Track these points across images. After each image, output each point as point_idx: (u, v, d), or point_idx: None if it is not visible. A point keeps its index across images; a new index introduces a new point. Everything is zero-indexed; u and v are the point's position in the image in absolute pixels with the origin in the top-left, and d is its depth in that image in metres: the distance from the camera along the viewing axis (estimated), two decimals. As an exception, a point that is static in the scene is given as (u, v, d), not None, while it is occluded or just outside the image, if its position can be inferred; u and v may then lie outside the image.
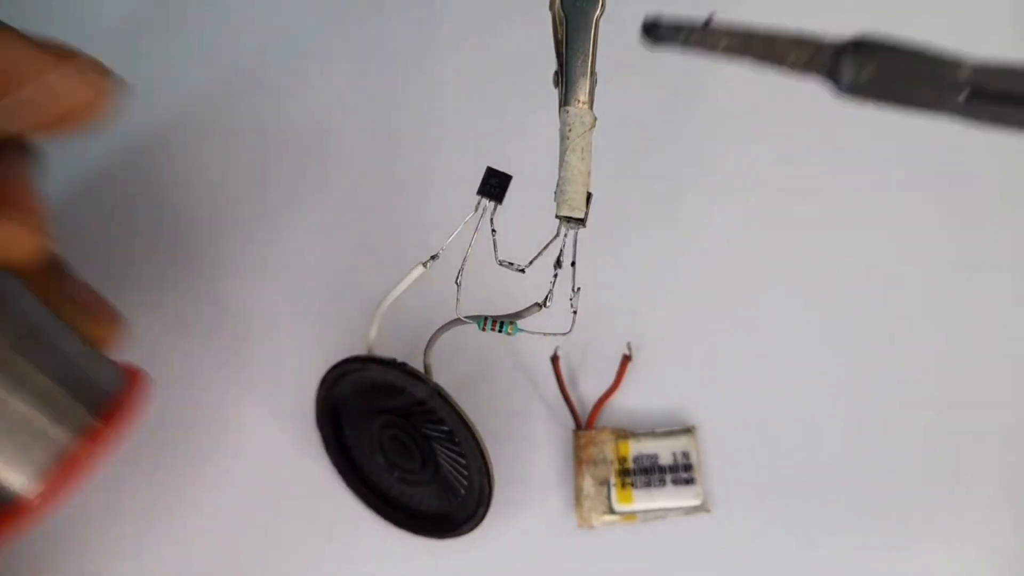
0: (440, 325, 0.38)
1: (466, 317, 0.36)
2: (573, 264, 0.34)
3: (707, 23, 0.27)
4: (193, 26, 0.60)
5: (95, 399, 0.38)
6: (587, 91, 0.33)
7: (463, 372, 0.49)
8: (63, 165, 0.57)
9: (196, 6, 0.61)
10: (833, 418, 0.48)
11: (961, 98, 0.25)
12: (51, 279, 0.40)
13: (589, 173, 0.33)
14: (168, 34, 0.60)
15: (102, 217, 0.55)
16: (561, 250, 0.34)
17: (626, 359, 0.48)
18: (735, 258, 0.51)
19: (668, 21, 0.27)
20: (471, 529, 0.44)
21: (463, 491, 0.44)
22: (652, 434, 0.47)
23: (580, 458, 0.46)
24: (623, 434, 0.47)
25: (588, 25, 0.33)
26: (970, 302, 0.50)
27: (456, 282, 0.35)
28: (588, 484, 0.46)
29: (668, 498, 0.45)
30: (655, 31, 0.27)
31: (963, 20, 0.57)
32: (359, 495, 0.47)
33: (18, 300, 0.37)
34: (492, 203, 0.34)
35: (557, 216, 0.33)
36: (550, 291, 0.35)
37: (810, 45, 0.26)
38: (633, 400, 0.48)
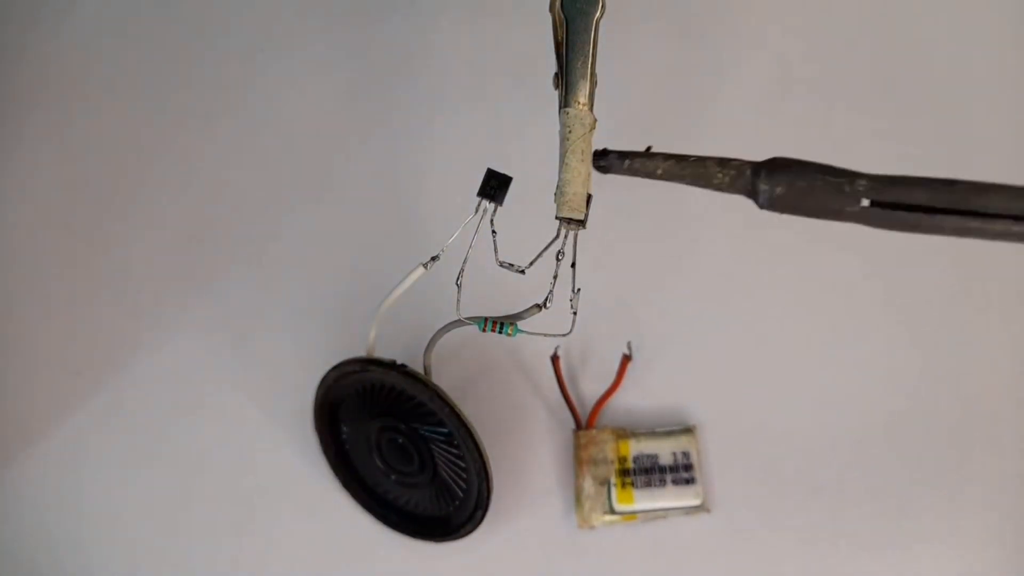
0: (440, 326, 0.38)
1: (466, 318, 0.36)
2: (573, 265, 0.34)
3: (648, 151, 0.30)
4: (192, 21, 0.60)
5: None
6: (587, 93, 0.33)
7: (463, 373, 0.49)
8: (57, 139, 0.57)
9: (195, 8, 0.61)
10: (833, 418, 0.48)
11: (861, 206, 0.28)
12: None
13: (589, 174, 0.33)
14: (170, 31, 0.60)
15: (100, 216, 0.55)
16: (561, 250, 0.34)
17: (626, 359, 0.48)
18: (736, 258, 0.51)
19: (615, 151, 0.31)
20: (469, 532, 0.44)
21: (461, 494, 0.44)
22: (652, 434, 0.47)
23: (580, 458, 0.46)
24: (623, 434, 0.47)
25: (588, 27, 0.33)
26: (969, 304, 0.50)
27: (456, 283, 0.35)
28: (588, 484, 0.46)
29: (668, 498, 0.45)
30: (605, 158, 0.31)
31: (963, 20, 0.57)
32: (356, 498, 0.47)
33: None
34: (492, 204, 0.34)
35: (557, 217, 0.33)
36: (550, 292, 0.35)
37: (732, 168, 0.29)
38: (633, 400, 0.48)
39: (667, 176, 0.30)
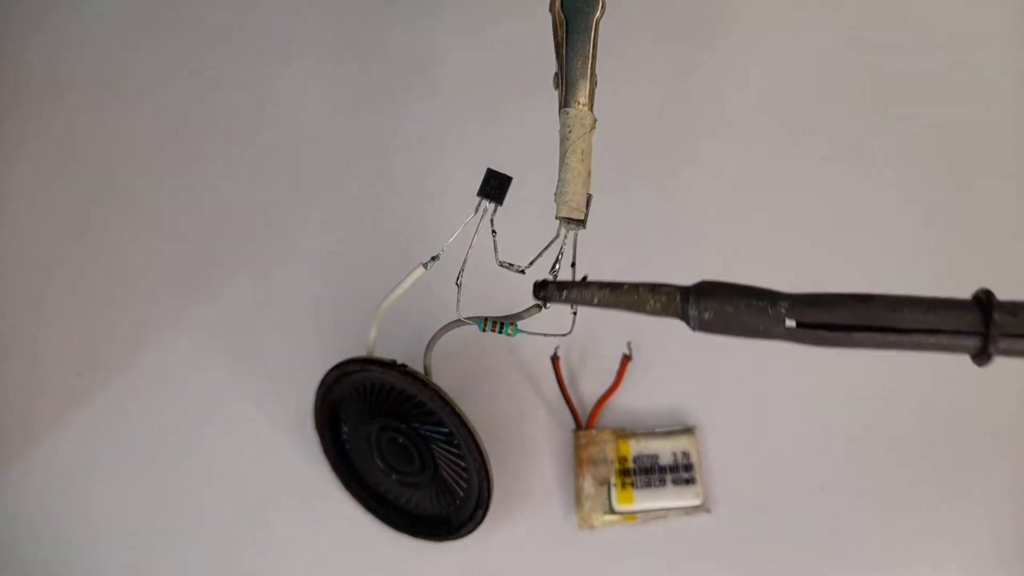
0: (441, 326, 0.38)
1: (467, 318, 0.36)
2: (573, 265, 0.34)
3: (584, 280, 0.31)
4: (192, 24, 0.60)
5: None
6: (587, 93, 0.33)
7: (463, 373, 0.49)
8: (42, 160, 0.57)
9: (196, 9, 0.61)
10: (832, 418, 0.48)
11: (786, 327, 0.29)
12: None
13: (589, 174, 0.33)
14: (171, 34, 0.60)
15: (101, 217, 0.55)
16: (561, 250, 0.34)
17: (626, 359, 0.48)
18: (735, 258, 0.51)
19: (553, 283, 0.32)
20: (470, 532, 0.44)
21: (462, 493, 0.44)
22: (652, 434, 0.47)
23: (580, 458, 0.46)
24: (623, 434, 0.47)
25: (588, 27, 0.33)
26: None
27: (456, 283, 0.35)
28: (588, 484, 0.46)
29: (668, 498, 0.45)
30: (543, 290, 0.32)
31: (963, 20, 0.57)
32: (357, 497, 0.47)
33: None
34: (492, 204, 0.34)
35: (557, 217, 0.33)
36: (550, 292, 0.35)
37: (663, 294, 0.30)
38: (633, 400, 0.48)
39: (603, 304, 0.31)
